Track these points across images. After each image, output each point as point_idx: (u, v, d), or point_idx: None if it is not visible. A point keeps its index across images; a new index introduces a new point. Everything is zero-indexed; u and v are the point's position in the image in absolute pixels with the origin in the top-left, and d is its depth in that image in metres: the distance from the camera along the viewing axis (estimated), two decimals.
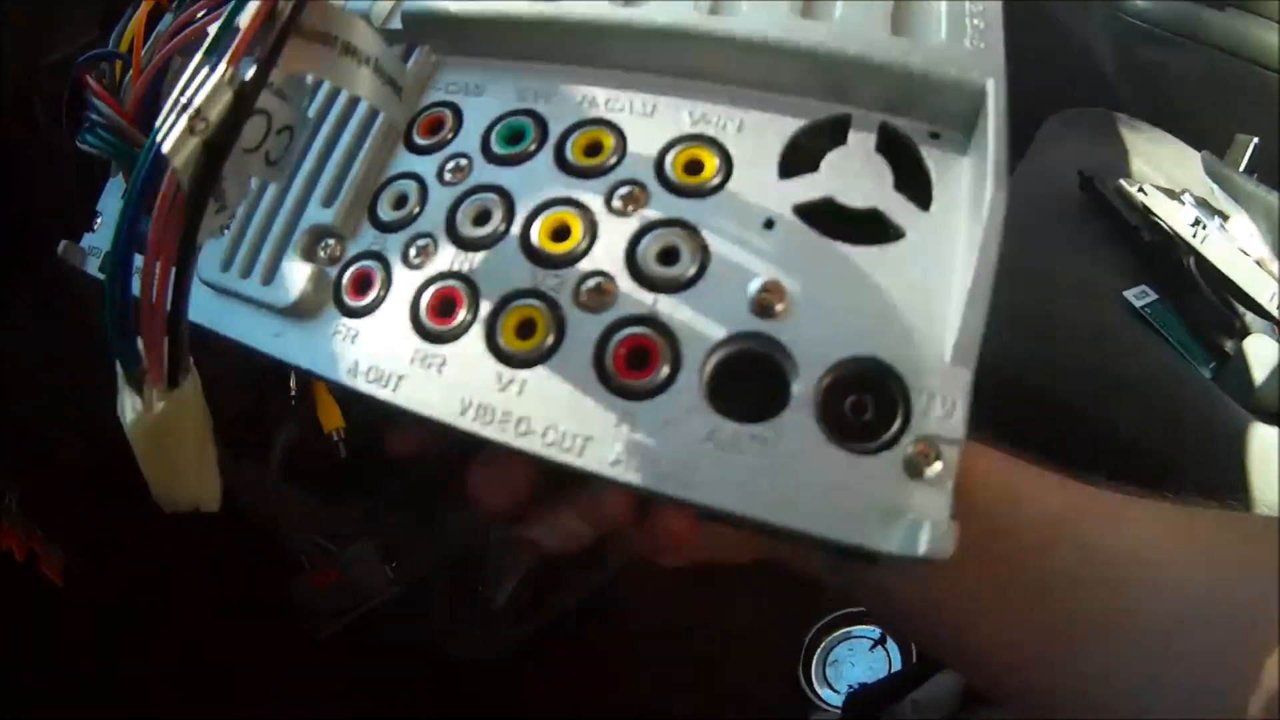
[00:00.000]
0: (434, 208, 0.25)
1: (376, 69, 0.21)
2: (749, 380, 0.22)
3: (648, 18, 0.24)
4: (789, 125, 0.24)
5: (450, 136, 0.26)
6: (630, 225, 0.23)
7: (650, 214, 0.23)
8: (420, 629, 0.59)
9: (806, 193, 0.23)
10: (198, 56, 0.19)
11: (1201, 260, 0.56)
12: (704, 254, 0.22)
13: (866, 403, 0.21)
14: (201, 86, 0.18)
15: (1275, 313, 0.54)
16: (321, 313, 0.25)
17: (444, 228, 0.24)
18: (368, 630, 0.57)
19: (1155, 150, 0.62)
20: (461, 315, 0.23)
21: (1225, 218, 0.57)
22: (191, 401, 0.22)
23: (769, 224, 0.22)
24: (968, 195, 0.23)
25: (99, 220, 0.33)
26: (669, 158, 0.23)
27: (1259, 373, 0.55)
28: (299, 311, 0.25)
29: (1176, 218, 0.57)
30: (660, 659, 0.65)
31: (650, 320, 0.22)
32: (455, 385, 0.22)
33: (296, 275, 0.25)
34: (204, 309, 0.26)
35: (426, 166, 0.26)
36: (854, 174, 0.23)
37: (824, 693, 0.61)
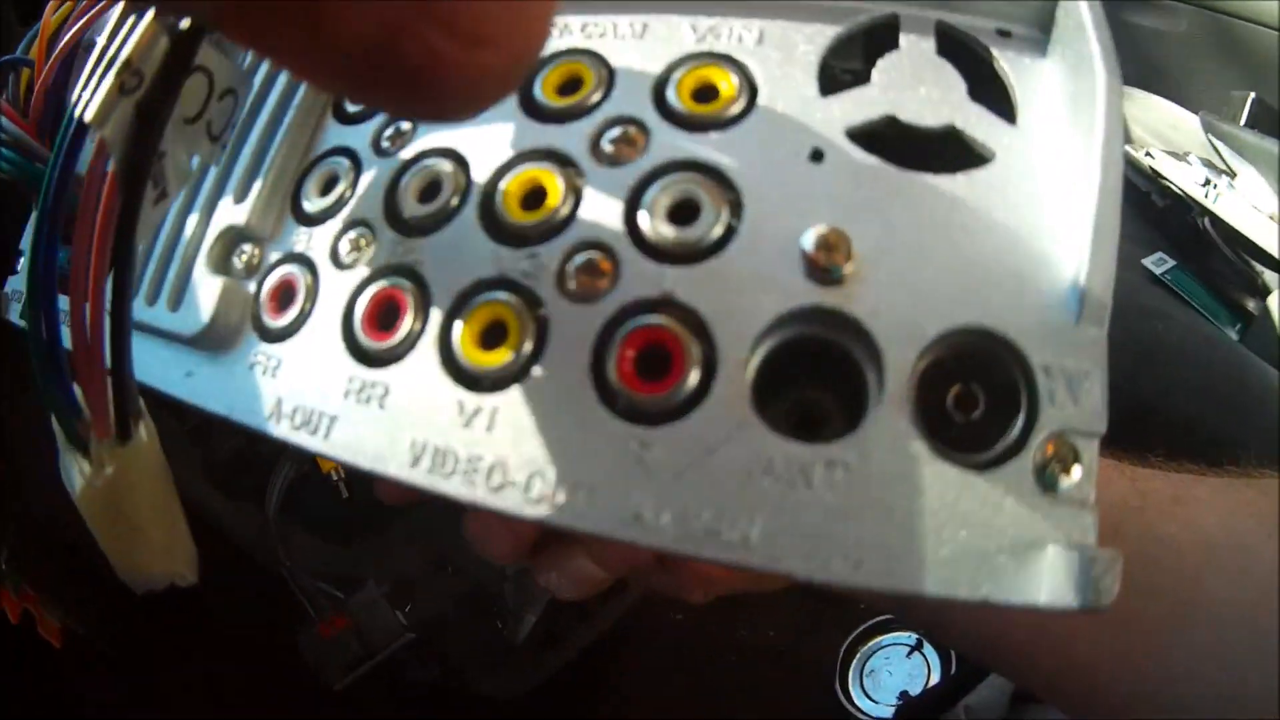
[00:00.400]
0: (369, 187, 0.17)
1: None
2: (805, 370, 0.14)
3: None
4: (821, 31, 0.16)
5: None
6: (627, 175, 0.15)
7: (654, 158, 0.15)
8: (440, 667, 0.50)
9: (860, 111, 0.15)
10: (119, 4, 0.14)
11: (1215, 219, 0.48)
12: (732, 206, 0.14)
13: (976, 394, 0.13)
14: (129, 36, 0.13)
15: None
16: (239, 340, 0.17)
17: (381, 210, 0.16)
18: (386, 669, 0.48)
19: (1149, 115, 0.55)
20: (407, 324, 0.15)
21: (1233, 175, 0.49)
22: (148, 456, 0.16)
23: (817, 155, 0.14)
24: (1061, 101, 0.15)
25: (21, 261, 0.25)
26: (671, 84, 0.15)
27: None
28: (211, 340, 0.17)
29: (1186, 179, 0.49)
30: (691, 684, 0.56)
31: (667, 305, 0.14)
32: (403, 423, 0.14)
33: (205, 294, 0.17)
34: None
35: (359, 138, 0.17)
36: (916, 83, 0.15)
37: (864, 704, 0.52)
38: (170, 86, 0.13)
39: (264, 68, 0.19)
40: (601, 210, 0.14)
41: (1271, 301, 0.48)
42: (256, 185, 0.18)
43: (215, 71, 0.14)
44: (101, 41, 0.13)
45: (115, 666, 0.47)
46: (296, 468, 0.47)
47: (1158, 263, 0.48)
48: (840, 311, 0.13)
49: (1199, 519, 0.25)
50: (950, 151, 0.15)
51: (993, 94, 0.16)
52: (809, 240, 0.13)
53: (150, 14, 0.13)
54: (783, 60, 0.15)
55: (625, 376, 0.13)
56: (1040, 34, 0.16)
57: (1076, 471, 0.12)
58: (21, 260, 0.25)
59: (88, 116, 0.12)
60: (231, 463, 0.46)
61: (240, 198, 0.18)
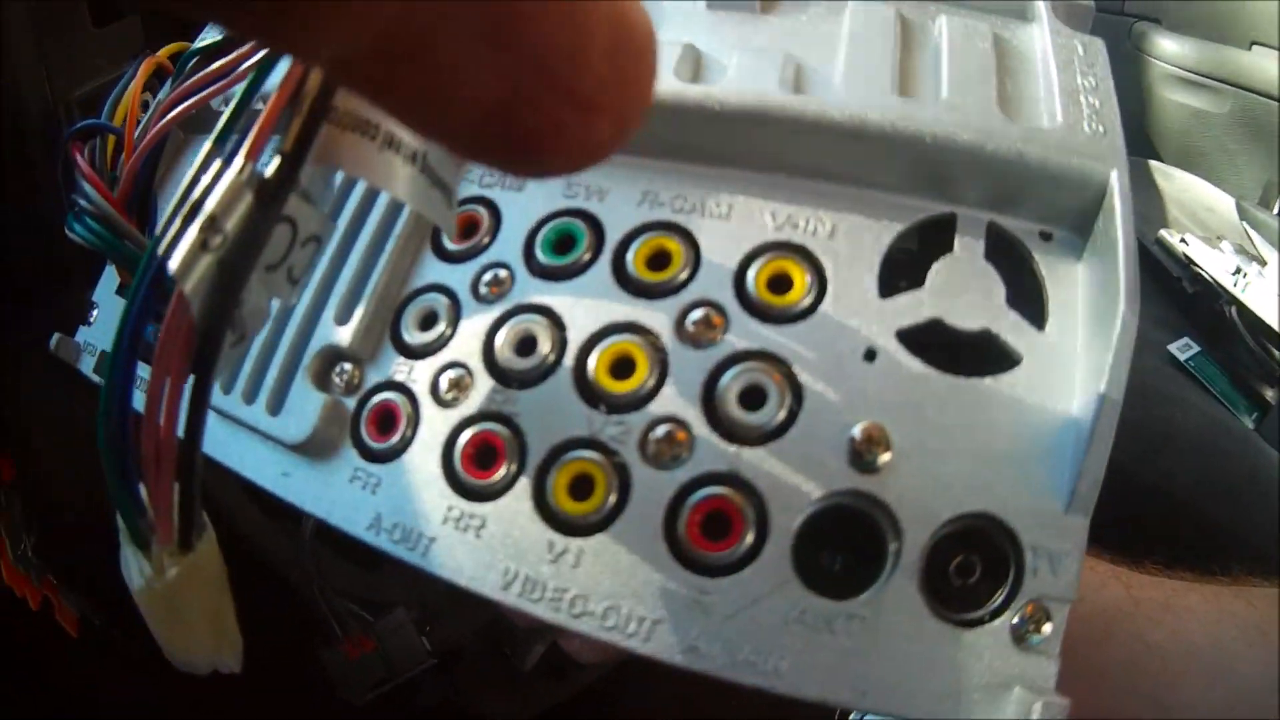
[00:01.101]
0: (468, 330, 0.20)
1: (424, 167, 0.15)
2: (836, 538, 0.17)
3: (720, 97, 0.19)
4: (887, 230, 0.19)
5: (487, 241, 0.21)
6: (707, 359, 0.18)
7: (730, 344, 0.18)
8: (449, 689, 0.53)
9: (911, 315, 0.18)
10: (206, 145, 0.14)
11: (1242, 308, 0.51)
12: (794, 395, 0.17)
13: (974, 564, 0.17)
14: (213, 186, 0.13)
15: None
16: (337, 452, 0.20)
17: (481, 356, 0.19)
18: (398, 689, 0.51)
19: (1188, 197, 0.57)
20: (504, 468, 0.18)
21: (1263, 263, 0.51)
22: (208, 563, 0.17)
23: (870, 355, 0.17)
24: (1085, 308, 0.18)
25: (95, 313, 0.28)
26: (751, 272, 0.18)
27: None
28: (311, 449, 0.20)
29: (1218, 266, 0.51)
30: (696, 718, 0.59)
31: (732, 479, 0.17)
32: (497, 552, 0.17)
33: (308, 407, 0.20)
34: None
35: (459, 278, 0.20)
36: (962, 288, 0.18)
37: None
38: (254, 243, 0.13)
39: (358, 192, 0.22)
40: (682, 387, 0.17)
41: None
42: (359, 309, 0.20)
43: (299, 221, 0.15)
44: (184, 184, 0.14)
45: (130, 663, 0.50)
46: None
47: (1183, 348, 0.50)
48: (875, 495, 0.16)
49: (1186, 627, 0.27)
50: (985, 351, 0.18)
51: (1028, 294, 0.18)
52: (856, 433, 0.16)
53: (235, 166, 0.13)
54: (851, 257, 0.18)
55: (692, 535, 0.16)
56: (1079, 237, 0.19)
57: (1047, 629, 0.16)
58: (95, 312, 0.27)
59: (170, 269, 0.13)
60: None
61: (343, 319, 0.21)
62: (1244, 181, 0.56)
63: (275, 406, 0.20)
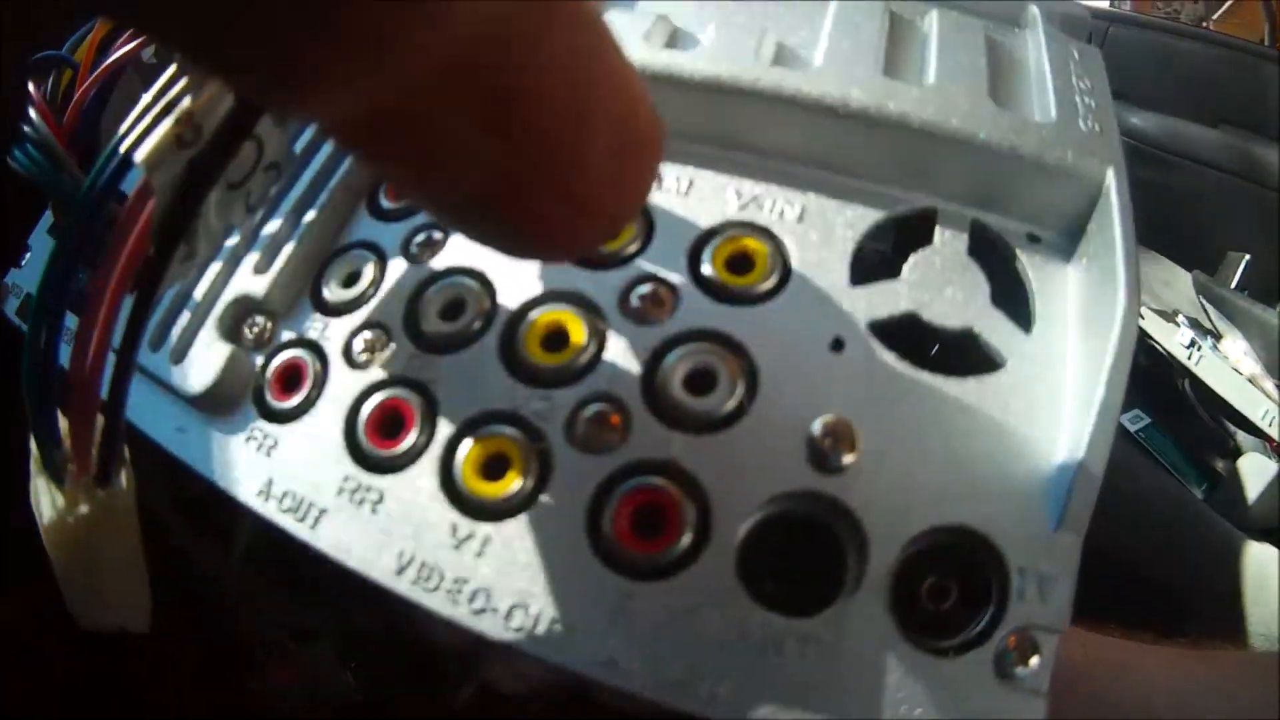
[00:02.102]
0: (393, 292, 0.17)
1: None
2: (790, 547, 0.14)
3: (690, 67, 0.17)
4: (862, 217, 0.16)
5: None
6: (652, 336, 0.15)
7: (679, 323, 0.15)
8: None
9: (885, 305, 0.15)
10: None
11: (1196, 381, 0.50)
12: (748, 382, 0.14)
13: (949, 587, 0.14)
14: (192, 89, 0.12)
15: (1268, 430, 0.48)
16: (237, 409, 0.17)
17: (402, 318, 0.16)
18: None
19: (1144, 271, 0.57)
20: (411, 438, 0.15)
21: (1218, 337, 0.51)
22: (124, 505, 0.15)
23: (838, 344, 0.15)
24: (1077, 315, 0.16)
25: (27, 256, 0.25)
26: (708, 250, 0.16)
27: (1252, 490, 0.48)
28: (209, 403, 0.17)
29: (1172, 340, 0.51)
30: None
31: (670, 470, 0.14)
32: (393, 532, 0.14)
33: (212, 357, 0.17)
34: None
35: (390, 236, 0.18)
36: (943, 283, 0.16)
37: None
38: (227, 150, 0.13)
39: (304, 139, 0.19)
40: (620, 366, 0.15)
41: (1241, 464, 0.49)
42: (280, 260, 0.18)
43: (266, 142, 0.14)
44: (161, 81, 0.13)
45: (55, 668, 0.46)
46: None
47: (1133, 420, 0.49)
48: (837, 499, 0.14)
49: (1145, 688, 0.26)
50: (966, 351, 0.15)
51: (1014, 296, 0.16)
52: (817, 428, 0.14)
53: None
54: (820, 243, 0.16)
55: (619, 530, 0.14)
56: (1068, 242, 0.17)
57: (1035, 662, 0.13)
58: (27, 255, 0.25)
59: (138, 157, 0.12)
60: (202, 498, 0.45)
61: (261, 269, 0.18)
62: (1202, 257, 0.56)
63: (180, 355, 0.17)
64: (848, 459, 0.14)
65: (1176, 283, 0.55)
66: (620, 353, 0.15)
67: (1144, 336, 0.52)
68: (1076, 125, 0.17)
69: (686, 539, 0.13)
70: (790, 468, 0.14)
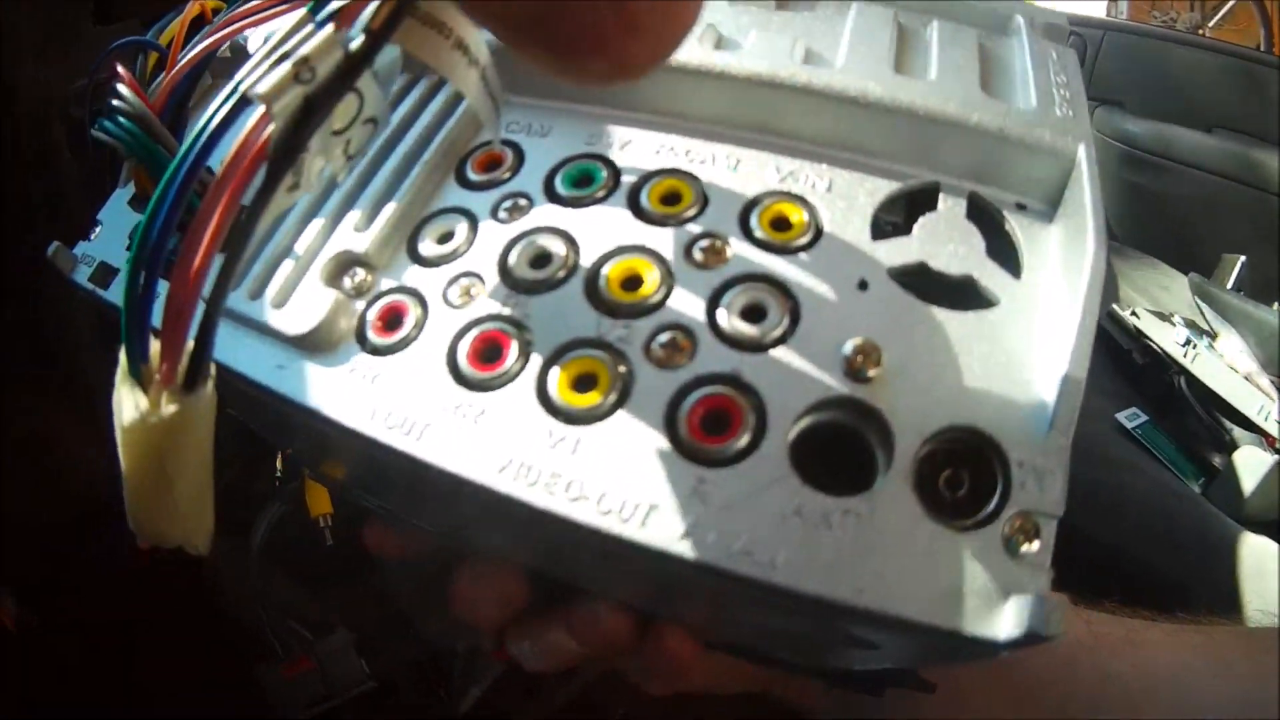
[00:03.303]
0: (484, 245, 0.21)
1: (484, 75, 0.18)
2: (831, 455, 0.18)
3: (736, 65, 0.22)
4: (879, 188, 0.21)
5: (508, 175, 0.23)
6: (712, 278, 0.20)
7: (734, 268, 0.20)
8: None
9: (900, 256, 0.20)
10: (300, 12, 0.16)
11: (1191, 379, 0.55)
12: (793, 313, 0.19)
13: (963, 477, 0.18)
14: (307, 40, 0.15)
15: (1264, 425, 0.52)
16: (339, 347, 0.21)
17: (496, 267, 0.21)
18: (332, 715, 0.50)
19: (1141, 275, 0.62)
20: (509, 363, 0.19)
21: (1214, 336, 0.56)
22: (204, 414, 0.17)
23: (863, 284, 0.19)
24: (1058, 264, 0.21)
25: (98, 230, 0.28)
26: (755, 212, 0.21)
27: (1248, 484, 0.53)
28: (313, 343, 0.21)
29: (1168, 339, 0.56)
30: None
31: (733, 380, 0.18)
32: (494, 439, 0.19)
33: (316, 301, 0.21)
34: None
35: (479, 203, 0.22)
36: (946, 239, 0.20)
37: None
38: (338, 89, 0.15)
39: (405, 109, 0.24)
40: (687, 302, 0.19)
41: (1236, 457, 0.53)
42: (380, 219, 0.22)
43: (366, 97, 0.17)
44: (279, 35, 0.15)
45: (69, 664, 0.48)
46: (284, 510, 0.49)
47: (1130, 417, 0.54)
48: (865, 403, 0.18)
49: (1148, 660, 0.29)
50: (967, 293, 0.20)
51: (1005, 251, 0.21)
52: (849, 348, 0.18)
53: (329, 27, 0.15)
54: (846, 207, 0.21)
55: (692, 428, 0.18)
56: (1049, 209, 0.22)
57: (1036, 544, 0.17)
58: (97, 229, 0.28)
59: (260, 89, 0.14)
60: (222, 495, 0.48)
61: (362, 227, 0.22)
62: (1198, 260, 0.61)
63: (282, 302, 0.21)
64: (874, 372, 0.18)
65: (1174, 287, 0.61)
66: (686, 293, 0.19)
67: (1140, 336, 0.57)
68: (1053, 111, 0.21)
69: (748, 435, 0.18)
70: (829, 378, 0.18)
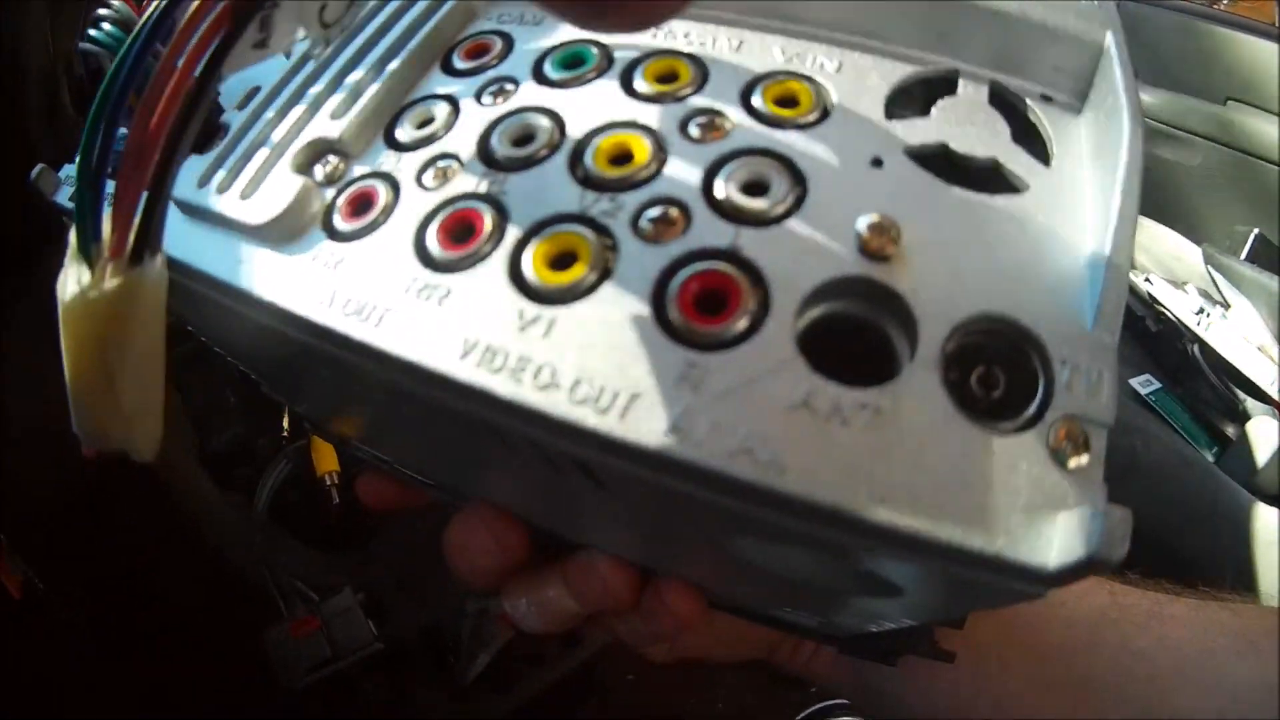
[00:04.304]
0: (464, 127, 0.19)
1: None
2: (844, 354, 0.16)
3: None
4: (893, 70, 0.19)
5: (495, 61, 0.20)
6: (710, 151, 0.17)
7: (734, 142, 0.17)
8: (390, 691, 0.50)
9: (918, 136, 0.17)
10: None
11: (1205, 347, 0.52)
12: (800, 188, 0.17)
13: (997, 375, 0.15)
14: None
15: (1276, 396, 0.50)
16: (303, 236, 0.18)
17: (474, 147, 0.18)
18: (343, 687, 0.48)
19: (1154, 244, 0.59)
20: (480, 241, 0.17)
21: (1227, 306, 0.53)
22: (152, 292, 0.15)
23: (877, 162, 0.17)
24: (1089, 154, 0.18)
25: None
26: (758, 89, 0.18)
27: (1261, 455, 0.50)
28: (275, 232, 0.18)
29: (1181, 306, 0.53)
30: None
31: (731, 256, 0.16)
32: (460, 322, 0.16)
33: (281, 188, 0.19)
34: None
35: (462, 88, 0.20)
36: (968, 123, 0.18)
37: None
38: None
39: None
40: (681, 175, 0.17)
41: (1250, 428, 0.51)
42: (357, 106, 0.20)
43: None
44: None
45: (75, 630, 0.47)
46: (291, 467, 0.48)
47: (1144, 384, 0.51)
48: (884, 284, 0.15)
49: (1173, 635, 0.27)
50: (992, 179, 0.17)
51: (1031, 142, 0.18)
52: (864, 223, 0.16)
53: None
54: (856, 87, 0.18)
55: (683, 307, 0.15)
56: (1077, 101, 0.19)
57: (1086, 456, 0.14)
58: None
59: None
60: (228, 454, 0.47)
61: (338, 115, 0.20)
62: (1212, 231, 0.58)
63: (250, 193, 0.19)
64: (893, 250, 0.16)
65: (1186, 256, 0.58)
66: (681, 166, 0.17)
67: (1154, 303, 0.54)
68: None
69: (746, 317, 0.15)
70: (842, 256, 0.16)
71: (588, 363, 0.15)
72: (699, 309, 0.15)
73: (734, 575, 0.23)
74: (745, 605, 0.26)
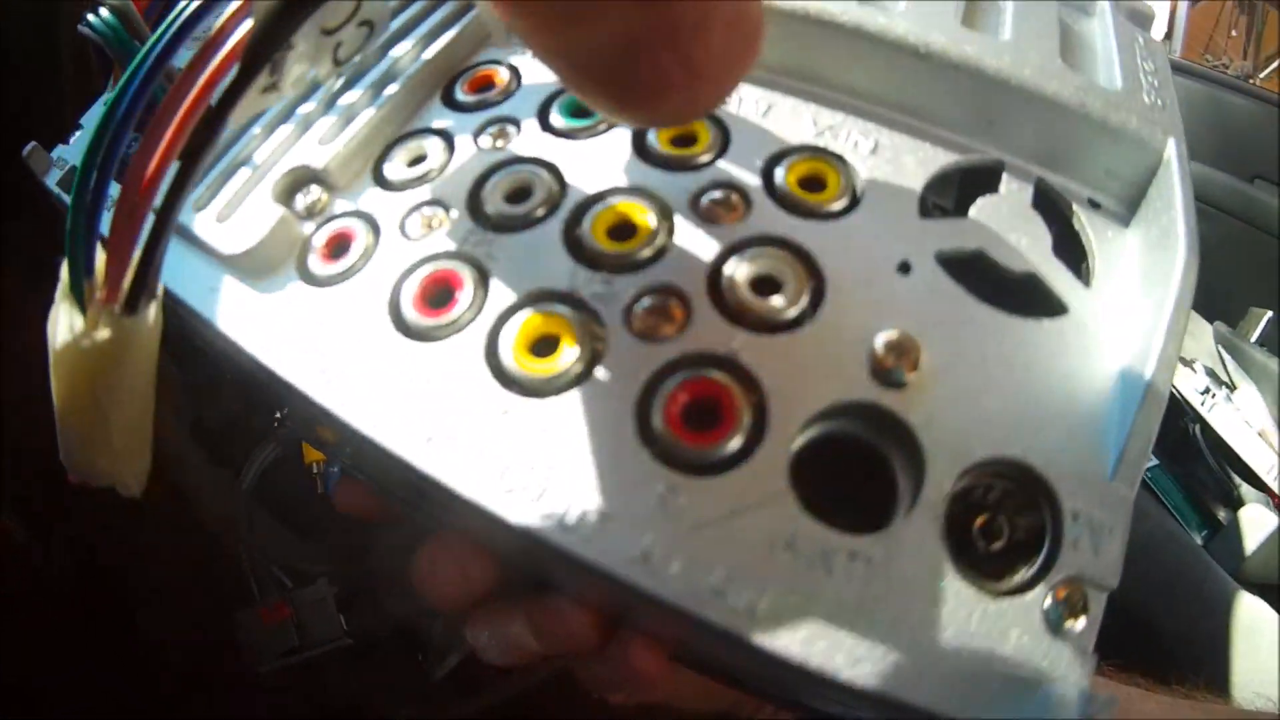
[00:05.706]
0: (458, 173, 0.17)
1: None
2: (841, 478, 0.14)
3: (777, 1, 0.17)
4: (933, 157, 0.16)
5: (499, 99, 0.18)
6: (720, 236, 0.15)
7: (749, 227, 0.15)
8: (356, 686, 0.48)
9: (953, 239, 0.15)
10: None
11: (1206, 427, 0.50)
12: (814, 290, 0.14)
13: (1001, 525, 0.13)
14: None
15: (1272, 484, 0.47)
16: (275, 273, 0.16)
17: (464, 198, 0.16)
18: (309, 676, 0.46)
19: None
20: (459, 309, 0.15)
21: (1233, 388, 0.51)
22: (145, 341, 0.14)
23: (905, 267, 0.15)
24: (1135, 274, 0.16)
25: (76, 135, 0.24)
26: (782, 166, 0.16)
27: (1251, 542, 0.48)
28: (248, 264, 0.16)
29: (1187, 385, 0.51)
30: None
31: (729, 365, 0.13)
32: (426, 401, 0.14)
33: (259, 217, 0.16)
34: None
35: (462, 125, 0.17)
36: (1008, 229, 0.15)
37: None
38: None
39: (396, 25, 0.19)
40: (686, 261, 0.14)
41: (1242, 514, 0.48)
42: (346, 134, 0.17)
43: None
44: None
45: (50, 583, 0.45)
46: (280, 450, 0.46)
47: None
48: (896, 415, 0.13)
49: None
50: (1028, 295, 0.15)
51: (1072, 253, 0.16)
52: (881, 340, 0.14)
53: None
54: (892, 174, 0.16)
55: (670, 419, 0.13)
56: (1126, 211, 0.17)
57: (1083, 620, 0.13)
58: (77, 133, 0.24)
59: None
60: (221, 430, 0.45)
61: (326, 140, 0.17)
62: (1227, 309, 0.56)
63: (226, 215, 0.17)
64: (911, 376, 0.13)
65: (1198, 333, 0.55)
66: (687, 249, 0.15)
67: None
68: (1140, 97, 0.17)
69: (740, 437, 0.13)
70: (852, 377, 0.13)
71: (558, 471, 0.13)
72: (687, 423, 0.13)
73: (703, 646, 0.22)
74: (710, 666, 0.25)
